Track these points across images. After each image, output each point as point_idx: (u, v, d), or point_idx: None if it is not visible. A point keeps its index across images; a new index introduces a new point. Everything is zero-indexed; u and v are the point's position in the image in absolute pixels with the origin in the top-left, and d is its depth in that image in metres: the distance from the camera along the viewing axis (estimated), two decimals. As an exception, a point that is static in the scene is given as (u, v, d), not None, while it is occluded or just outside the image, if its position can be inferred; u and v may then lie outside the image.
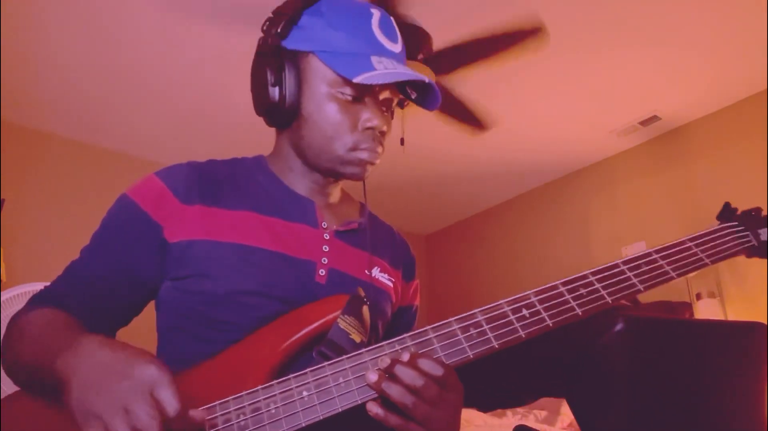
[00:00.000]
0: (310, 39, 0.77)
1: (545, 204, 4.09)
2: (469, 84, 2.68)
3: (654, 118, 3.27)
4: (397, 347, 0.67)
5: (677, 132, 3.39)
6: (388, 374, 0.62)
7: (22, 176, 2.99)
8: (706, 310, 2.89)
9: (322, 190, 0.86)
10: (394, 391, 0.61)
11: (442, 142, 3.49)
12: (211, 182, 0.81)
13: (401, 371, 0.61)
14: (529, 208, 4.21)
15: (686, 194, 3.26)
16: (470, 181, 4.05)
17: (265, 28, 0.80)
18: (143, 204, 0.78)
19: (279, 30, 0.78)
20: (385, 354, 0.65)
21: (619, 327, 1.33)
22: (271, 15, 0.81)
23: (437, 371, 0.62)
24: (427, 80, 0.76)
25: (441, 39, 2.39)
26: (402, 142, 2.83)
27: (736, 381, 1.51)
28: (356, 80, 0.72)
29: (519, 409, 2.57)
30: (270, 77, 0.77)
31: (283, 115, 0.79)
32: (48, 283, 0.80)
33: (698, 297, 2.95)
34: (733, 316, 2.89)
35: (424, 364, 0.62)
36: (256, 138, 3.03)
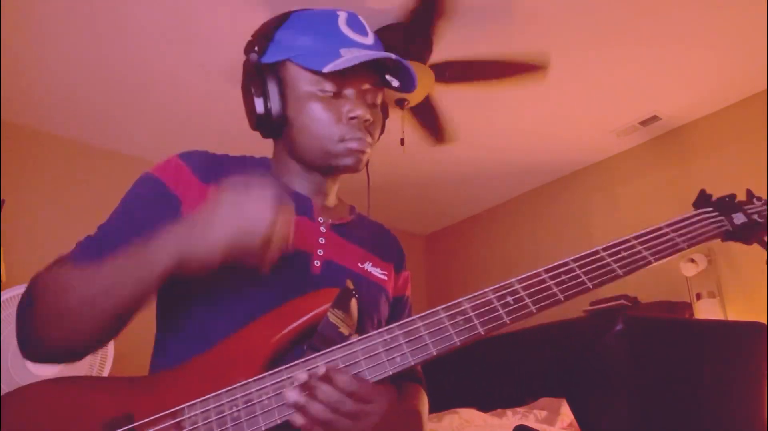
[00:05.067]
0: (283, 49, 0.83)
1: (545, 204, 4.09)
2: (468, 85, 2.68)
3: (654, 118, 3.27)
4: (386, 336, 0.69)
5: (677, 132, 3.39)
6: (307, 391, 0.64)
7: (22, 176, 2.99)
8: (706, 310, 2.89)
9: (319, 189, 0.89)
10: (314, 409, 0.63)
11: (442, 142, 3.49)
12: (223, 172, 0.83)
13: (319, 390, 0.63)
14: (530, 208, 4.20)
15: (686, 194, 3.23)
16: (470, 181, 4.04)
17: (246, 50, 0.86)
18: (163, 177, 0.81)
19: (257, 48, 0.84)
20: (301, 370, 0.66)
21: (619, 327, 1.34)
22: (250, 38, 0.86)
23: (352, 386, 0.64)
24: (394, 57, 0.80)
25: (452, 53, 2.44)
26: (402, 142, 2.83)
27: (736, 381, 1.52)
28: (325, 70, 0.76)
29: (519, 409, 2.57)
30: (255, 92, 0.82)
31: (273, 125, 0.84)
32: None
33: (698, 297, 2.95)
34: (733, 316, 2.88)
35: (339, 381, 0.64)
36: (256, 139, 3.04)
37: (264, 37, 0.84)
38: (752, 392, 1.54)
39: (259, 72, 0.83)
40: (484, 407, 2.62)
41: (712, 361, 1.48)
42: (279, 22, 0.85)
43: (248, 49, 0.85)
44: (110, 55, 2.60)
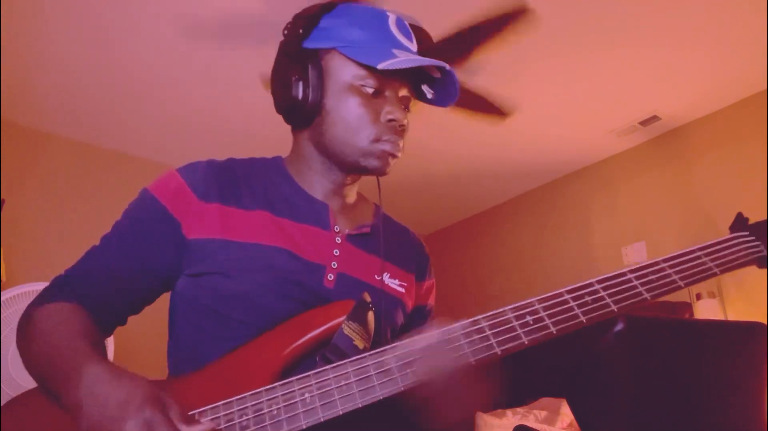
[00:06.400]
0: (331, 37, 0.81)
1: (545, 204, 4.09)
2: (468, 85, 2.68)
3: (654, 118, 3.27)
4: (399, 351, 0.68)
5: (677, 132, 3.39)
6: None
7: (22, 176, 2.99)
8: (706, 310, 2.89)
9: (338, 191, 0.86)
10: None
11: (442, 142, 3.49)
12: (229, 181, 0.82)
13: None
14: (529, 208, 4.20)
15: (686, 194, 3.26)
16: (470, 181, 4.04)
17: (286, 31, 0.83)
18: (162, 199, 0.79)
19: (301, 31, 0.81)
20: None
21: (619, 327, 1.34)
22: (292, 19, 0.83)
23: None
24: (447, 67, 0.78)
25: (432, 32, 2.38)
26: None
27: (736, 381, 1.52)
28: (380, 66, 0.74)
29: (519, 409, 2.57)
30: (293, 75, 0.80)
31: (305, 112, 0.81)
32: (64, 272, 0.81)
33: (698, 297, 2.95)
34: (733, 316, 2.88)
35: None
36: (256, 139, 3.03)
37: (309, 20, 0.81)
38: (752, 392, 1.54)
39: (302, 55, 0.80)
40: (484, 407, 2.62)
41: (712, 361, 1.48)
42: (324, 9, 0.82)
43: (291, 31, 0.83)
44: (111, 54, 2.60)
